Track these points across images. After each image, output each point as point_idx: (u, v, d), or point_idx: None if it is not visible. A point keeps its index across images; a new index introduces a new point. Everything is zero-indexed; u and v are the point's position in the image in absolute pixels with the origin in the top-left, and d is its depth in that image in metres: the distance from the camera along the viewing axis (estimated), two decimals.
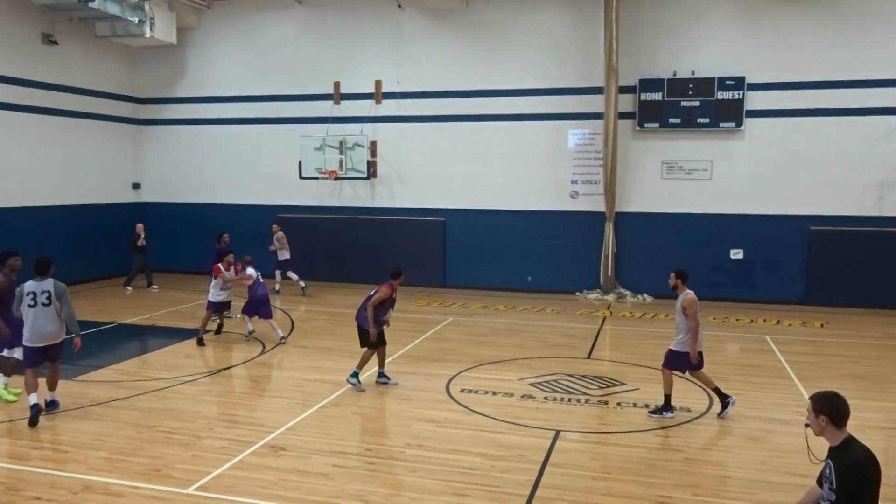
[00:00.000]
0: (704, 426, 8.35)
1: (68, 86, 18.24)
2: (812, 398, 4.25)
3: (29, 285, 8.22)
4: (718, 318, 14.79)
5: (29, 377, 8.15)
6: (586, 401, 9.25)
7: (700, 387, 9.21)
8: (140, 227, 17.88)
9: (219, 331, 12.84)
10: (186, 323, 13.94)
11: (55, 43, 17.59)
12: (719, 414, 8.55)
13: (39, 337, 8.15)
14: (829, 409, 4.11)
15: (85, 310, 15.08)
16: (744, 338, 13.22)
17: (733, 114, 16.30)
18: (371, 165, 18.40)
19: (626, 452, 7.46)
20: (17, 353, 8.72)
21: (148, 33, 17.80)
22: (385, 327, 9.85)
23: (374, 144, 18.59)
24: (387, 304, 9.69)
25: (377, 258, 18.50)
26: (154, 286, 17.90)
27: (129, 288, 17.72)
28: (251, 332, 12.56)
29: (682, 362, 8.50)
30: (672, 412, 8.53)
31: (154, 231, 20.70)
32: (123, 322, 14.18)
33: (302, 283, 17.26)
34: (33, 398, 8.11)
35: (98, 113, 19.28)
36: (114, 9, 16.67)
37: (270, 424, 8.19)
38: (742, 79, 16.19)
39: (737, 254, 16.77)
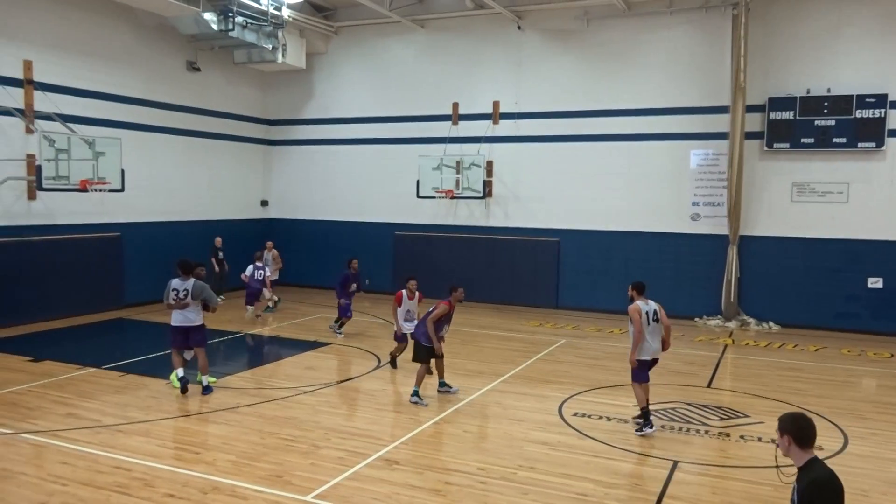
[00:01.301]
0: (838, 467, 7.76)
1: (208, 109, 19.60)
2: (779, 418, 4.16)
3: (175, 282, 9.98)
4: (854, 351, 13.82)
5: (174, 355, 10.15)
6: (706, 432, 8.88)
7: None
8: (219, 240, 18.49)
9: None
10: (308, 335, 14.53)
11: (198, 70, 18.99)
12: (638, 428, 8.74)
13: (177, 321, 10.01)
14: (793, 429, 4.02)
15: (215, 319, 15.98)
16: (883, 373, 12.27)
17: (873, 133, 15.25)
18: (487, 185, 18.57)
19: (750, 489, 7.09)
20: (188, 355, 10.38)
21: (280, 59, 18.88)
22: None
23: (490, 164, 18.77)
24: (443, 319, 10.09)
25: (491, 277, 18.64)
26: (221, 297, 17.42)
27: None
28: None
29: (639, 370, 8.85)
30: (651, 428, 8.68)
31: (279, 246, 21.77)
32: (250, 332, 14.97)
33: (275, 299, 17.30)
34: (180, 371, 10.04)
35: (233, 134, 20.58)
36: (251, 37, 17.80)
37: (385, 438, 8.39)
38: (884, 96, 15.13)
39: (875, 282, 15.60)
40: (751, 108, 15.99)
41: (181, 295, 9.88)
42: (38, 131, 14.13)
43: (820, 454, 8.05)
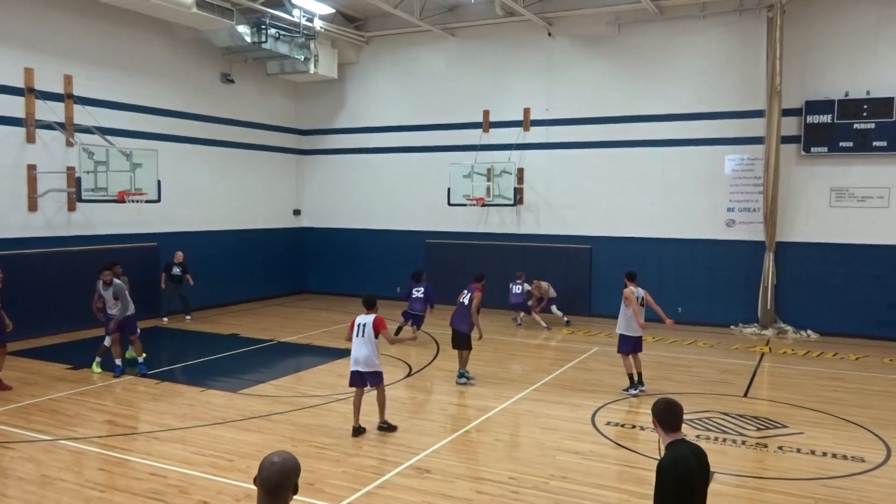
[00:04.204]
0: (880, 479, 7.59)
1: (241, 120, 19.89)
2: (653, 402, 4.35)
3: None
4: None
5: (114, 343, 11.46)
6: (743, 442, 8.70)
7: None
8: (179, 254, 16.89)
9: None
10: (340, 343, 14.58)
11: (232, 81, 19.30)
12: (625, 388, 10.84)
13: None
14: (659, 412, 4.21)
15: (249, 327, 16.26)
16: None
17: None
18: (518, 192, 18.51)
19: (789, 501, 6.93)
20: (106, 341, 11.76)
21: (312, 70, 19.09)
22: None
23: (521, 171, 18.72)
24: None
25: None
26: (188, 316, 17.25)
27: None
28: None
29: (625, 344, 10.86)
30: (636, 389, 10.75)
31: (312, 255, 22.05)
32: (282, 340, 15.10)
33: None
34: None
35: (266, 144, 20.85)
36: (283, 48, 18.04)
37: (416, 446, 8.38)
38: None
39: None
40: (787, 112, 15.71)
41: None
42: (78, 144, 14.48)
43: (861, 466, 7.87)
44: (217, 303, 18.76)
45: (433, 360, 13.05)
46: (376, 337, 8.66)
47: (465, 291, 11.54)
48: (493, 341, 15.21)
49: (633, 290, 10.96)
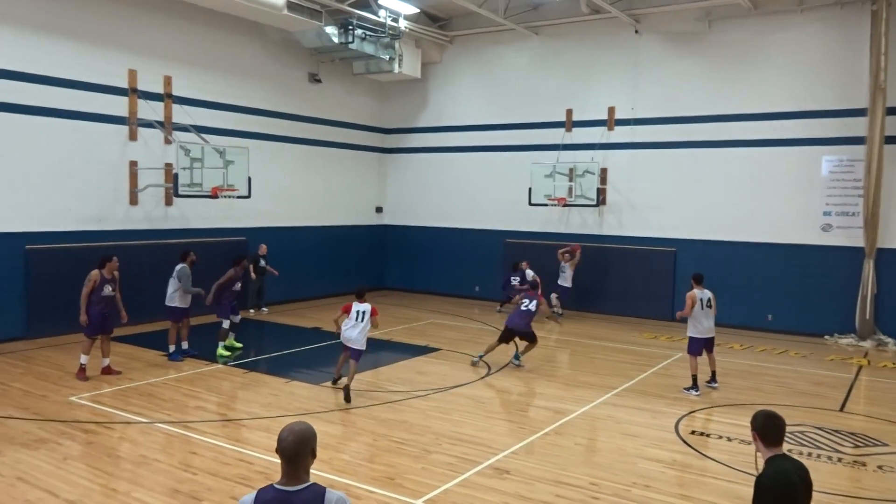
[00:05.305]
0: None
1: (327, 119, 20.37)
2: (753, 415, 4.25)
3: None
4: None
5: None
6: (838, 459, 8.30)
7: None
8: (264, 247, 17.57)
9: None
10: (419, 340, 14.77)
11: (319, 81, 19.78)
12: (686, 388, 10.96)
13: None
14: (760, 426, 4.11)
15: (331, 322, 16.58)
16: None
17: None
18: (600, 193, 18.22)
19: None
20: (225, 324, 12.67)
21: (396, 69, 19.36)
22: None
23: (604, 171, 18.42)
24: None
25: (603, 287, 18.28)
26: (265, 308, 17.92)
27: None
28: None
29: (693, 346, 11.03)
30: (696, 391, 10.83)
31: (393, 252, 22.37)
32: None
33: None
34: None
35: (350, 143, 21.27)
36: (369, 48, 18.36)
37: (495, 446, 8.38)
38: None
39: None
40: (891, 111, 14.87)
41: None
42: (176, 142, 15.16)
43: None
44: (298, 297, 19.28)
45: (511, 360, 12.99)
46: (371, 323, 10.43)
47: (526, 299, 12.38)
48: (571, 343, 15.06)
49: (699, 294, 11.03)
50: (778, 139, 16.40)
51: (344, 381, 10.37)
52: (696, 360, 11.01)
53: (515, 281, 16.91)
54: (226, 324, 12.80)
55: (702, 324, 10.97)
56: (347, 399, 9.99)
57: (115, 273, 11.14)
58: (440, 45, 20.91)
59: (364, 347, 10.39)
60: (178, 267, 12.30)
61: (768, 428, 4.09)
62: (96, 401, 9.80)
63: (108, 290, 10.96)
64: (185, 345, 12.55)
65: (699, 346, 11.02)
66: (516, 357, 12.49)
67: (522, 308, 12.30)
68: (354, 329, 10.26)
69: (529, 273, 17.13)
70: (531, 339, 12.30)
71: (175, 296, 12.28)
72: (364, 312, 10.36)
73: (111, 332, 11.27)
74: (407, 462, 7.81)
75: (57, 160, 14.01)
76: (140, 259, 14.94)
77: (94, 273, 10.90)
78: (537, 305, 12.26)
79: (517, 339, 12.45)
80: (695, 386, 10.89)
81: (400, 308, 18.77)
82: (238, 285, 13.06)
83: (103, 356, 11.15)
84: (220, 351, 12.69)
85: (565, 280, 17.66)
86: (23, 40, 13.36)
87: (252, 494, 3.44)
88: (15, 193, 13.40)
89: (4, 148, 13.22)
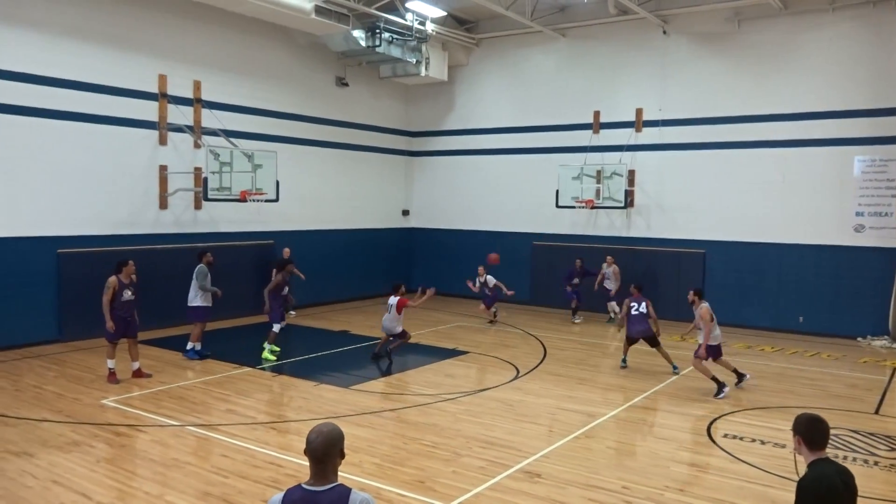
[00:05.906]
0: None
1: (354, 122, 20.46)
2: (795, 418, 4.21)
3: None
4: None
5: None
6: (875, 462, 8.14)
7: None
8: (287, 251, 16.98)
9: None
10: (447, 343, 14.76)
11: (346, 85, 19.89)
12: (716, 394, 10.81)
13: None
14: (803, 430, 4.07)
15: (359, 324, 16.69)
16: None
17: None
18: (628, 195, 18.08)
19: None
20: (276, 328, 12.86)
21: (423, 72, 19.39)
22: None
23: (632, 173, 18.27)
24: None
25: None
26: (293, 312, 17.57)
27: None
28: None
29: (710, 352, 11.11)
30: (724, 390, 10.80)
31: (419, 255, 22.40)
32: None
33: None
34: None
35: (376, 146, 21.35)
36: (396, 52, 18.41)
37: (525, 449, 8.33)
38: None
39: None
40: None
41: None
42: (205, 146, 15.32)
43: None
44: (326, 300, 19.37)
45: (540, 363, 12.94)
46: (399, 312, 12.76)
47: (633, 303, 12.39)
48: (600, 346, 14.95)
49: (708, 305, 11.35)
50: (809, 139, 16.15)
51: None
52: (709, 365, 11.23)
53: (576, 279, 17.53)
54: (276, 328, 12.91)
55: (714, 331, 11.16)
56: (383, 356, 12.87)
57: (133, 277, 11.18)
58: (467, 48, 20.91)
59: (393, 332, 12.90)
60: (197, 267, 12.57)
61: (813, 432, 4.04)
62: (127, 404, 9.92)
63: (127, 294, 10.95)
64: (197, 345, 12.66)
65: (716, 352, 11.21)
66: (673, 368, 12.41)
67: (634, 313, 12.34)
68: (385, 318, 12.95)
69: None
70: (653, 343, 12.36)
71: (196, 296, 12.45)
72: (391, 305, 12.77)
73: (136, 335, 11.28)
74: (437, 465, 7.79)
75: (88, 164, 14.23)
76: (170, 263, 15.11)
77: (112, 279, 10.85)
78: (647, 306, 12.31)
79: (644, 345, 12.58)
80: (721, 386, 10.88)
81: (427, 311, 18.74)
82: (286, 289, 13.44)
83: (132, 360, 11.24)
84: (266, 354, 12.75)
85: (609, 284, 17.50)
86: (54, 46, 13.59)
87: (281, 494, 3.52)
88: (47, 198, 13.63)
89: (36, 153, 13.45)
